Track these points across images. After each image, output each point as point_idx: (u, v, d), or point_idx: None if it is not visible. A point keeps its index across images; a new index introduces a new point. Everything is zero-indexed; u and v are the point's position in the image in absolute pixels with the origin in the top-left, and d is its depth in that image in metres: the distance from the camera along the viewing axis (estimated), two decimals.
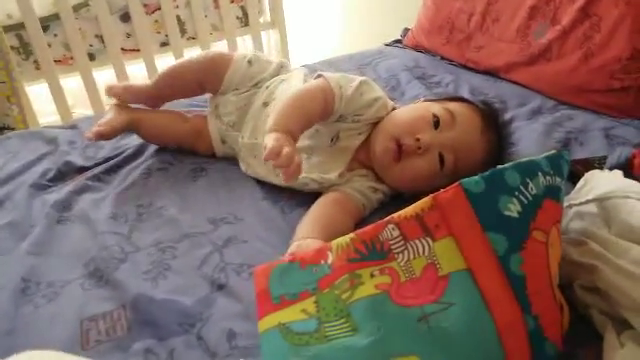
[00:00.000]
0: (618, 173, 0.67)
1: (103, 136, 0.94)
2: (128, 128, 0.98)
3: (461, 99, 0.87)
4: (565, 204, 0.62)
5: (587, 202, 0.62)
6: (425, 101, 0.88)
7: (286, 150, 0.66)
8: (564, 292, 0.54)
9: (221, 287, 0.66)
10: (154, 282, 0.67)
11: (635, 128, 0.97)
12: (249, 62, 0.97)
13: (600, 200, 0.60)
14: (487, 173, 0.51)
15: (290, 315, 0.51)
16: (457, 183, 0.51)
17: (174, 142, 0.99)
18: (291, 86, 0.91)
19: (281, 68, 0.99)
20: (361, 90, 0.82)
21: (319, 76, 0.83)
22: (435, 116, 0.78)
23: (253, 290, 0.54)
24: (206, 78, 0.97)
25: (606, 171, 0.70)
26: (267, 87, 0.94)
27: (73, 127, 1.12)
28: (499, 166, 0.52)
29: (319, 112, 0.79)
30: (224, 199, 0.84)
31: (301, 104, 0.78)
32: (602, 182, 0.64)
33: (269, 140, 0.68)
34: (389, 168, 0.79)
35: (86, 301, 0.65)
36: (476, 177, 0.51)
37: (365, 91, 0.82)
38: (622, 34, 1.01)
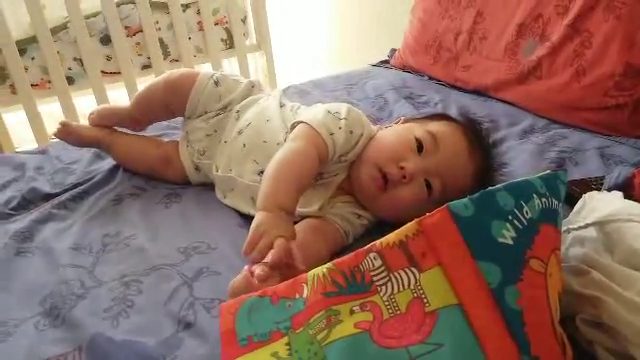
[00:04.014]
0: (618, 194, 0.63)
1: (65, 138, 0.97)
2: (96, 145, 0.97)
3: (444, 117, 0.83)
4: (563, 229, 0.57)
5: (587, 226, 0.57)
6: (405, 121, 0.83)
7: (262, 243, 0.59)
8: (565, 327, 0.49)
9: (188, 326, 0.60)
10: (114, 321, 0.61)
11: (631, 147, 0.94)
12: (215, 82, 0.91)
13: (601, 224, 0.55)
14: (477, 195, 0.47)
15: None
16: (444, 206, 0.47)
17: (145, 168, 0.95)
18: (266, 109, 0.86)
19: (252, 88, 0.93)
20: (351, 127, 0.76)
21: (300, 123, 0.75)
22: (418, 140, 0.73)
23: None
24: (170, 99, 0.92)
25: (605, 192, 0.65)
26: (237, 112, 0.89)
27: (43, 152, 1.07)
28: (489, 188, 0.47)
29: (314, 172, 0.72)
30: (197, 227, 0.79)
31: (291, 169, 0.68)
32: (602, 204, 0.59)
33: (252, 226, 0.61)
34: (375, 199, 0.74)
35: (39, 342, 0.60)
36: (464, 199, 0.47)
37: (354, 126, 0.76)
38: (614, 50, 0.98)
